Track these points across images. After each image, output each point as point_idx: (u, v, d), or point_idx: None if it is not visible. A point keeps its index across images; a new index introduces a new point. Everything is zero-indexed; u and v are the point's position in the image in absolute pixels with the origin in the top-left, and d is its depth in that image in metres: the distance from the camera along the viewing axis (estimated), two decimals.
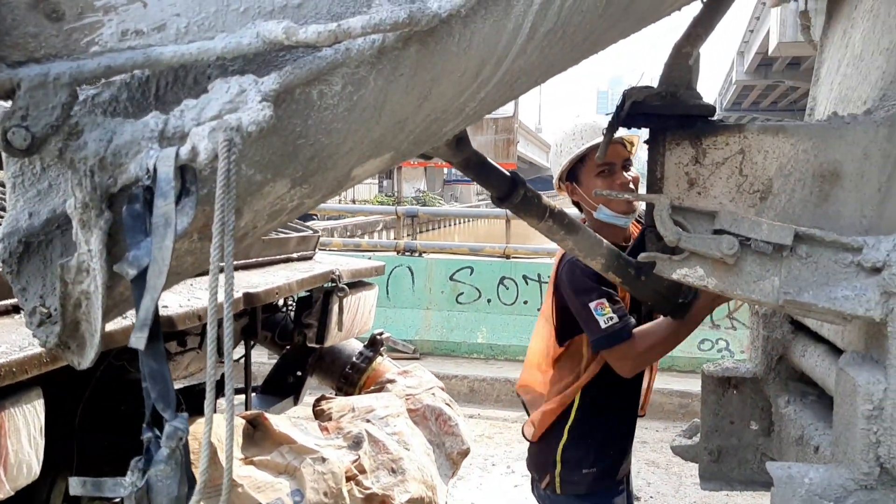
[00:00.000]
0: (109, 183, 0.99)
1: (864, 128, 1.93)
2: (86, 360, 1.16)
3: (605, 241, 2.24)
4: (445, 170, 42.56)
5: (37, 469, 1.63)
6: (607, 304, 2.37)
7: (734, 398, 2.66)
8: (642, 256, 1.93)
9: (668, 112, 2.03)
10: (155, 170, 0.94)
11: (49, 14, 0.94)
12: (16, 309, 1.74)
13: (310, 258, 3.48)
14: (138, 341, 0.96)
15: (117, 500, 1.67)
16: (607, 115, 2.34)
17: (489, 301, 8.31)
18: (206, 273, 2.40)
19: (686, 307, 2.36)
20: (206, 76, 1.07)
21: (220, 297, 0.98)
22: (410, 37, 1.11)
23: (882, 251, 1.63)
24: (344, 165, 1.26)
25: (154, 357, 0.99)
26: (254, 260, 2.99)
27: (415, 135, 1.34)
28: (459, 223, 39.12)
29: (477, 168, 2.07)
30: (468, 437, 3.15)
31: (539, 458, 2.70)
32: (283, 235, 3.32)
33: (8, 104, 0.96)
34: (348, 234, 18.31)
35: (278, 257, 3.20)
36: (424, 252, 9.18)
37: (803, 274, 1.73)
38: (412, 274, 8.49)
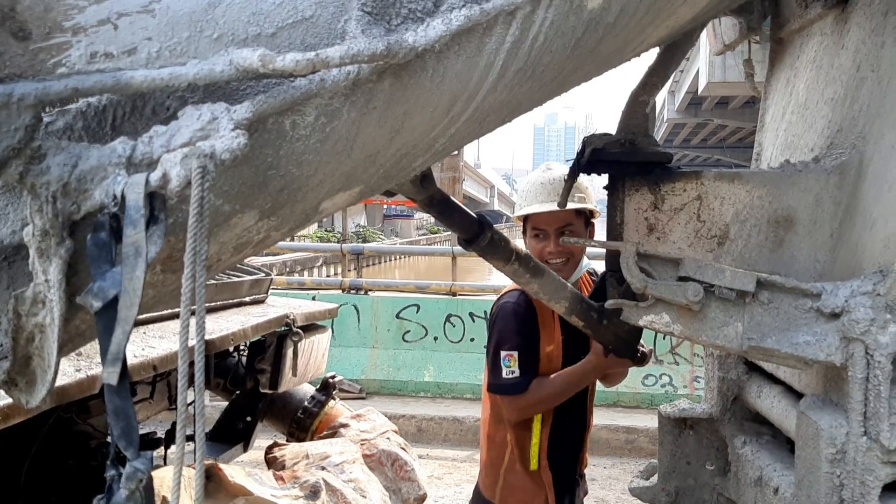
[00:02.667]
0: (72, 210, 0.96)
1: (816, 175, 2.00)
2: (35, 398, 1.10)
3: (569, 285, 2.26)
4: (385, 205, 42.59)
5: None
6: (515, 358, 2.47)
7: (690, 439, 2.68)
8: (609, 304, 1.94)
9: (627, 159, 2.07)
10: (123, 196, 0.91)
11: (15, 32, 0.91)
12: None
13: (262, 301, 3.42)
14: (111, 377, 0.91)
15: None
16: (567, 161, 2.37)
17: (436, 339, 8.25)
18: (159, 320, 2.31)
19: (643, 357, 2.43)
20: (165, 107, 1.04)
21: (192, 339, 0.95)
22: (385, 70, 1.10)
23: (840, 297, 1.67)
24: (313, 198, 1.24)
25: (120, 394, 0.94)
26: (207, 305, 2.91)
27: (385, 169, 1.33)
28: (399, 259, 39.10)
29: (440, 206, 2.07)
30: (424, 483, 3.10)
31: (478, 499, 2.71)
32: (235, 279, 3.26)
33: None
34: (287, 269, 18.05)
35: (231, 301, 3.14)
36: (370, 290, 9.12)
37: (766, 320, 1.76)
38: (358, 312, 8.40)
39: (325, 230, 35.18)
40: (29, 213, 0.96)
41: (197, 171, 0.89)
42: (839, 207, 1.95)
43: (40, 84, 0.91)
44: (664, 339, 7.57)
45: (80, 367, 1.82)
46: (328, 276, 19.82)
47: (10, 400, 1.59)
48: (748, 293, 1.74)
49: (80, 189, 0.94)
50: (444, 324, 8.23)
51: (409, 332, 8.30)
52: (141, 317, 2.29)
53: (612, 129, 2.18)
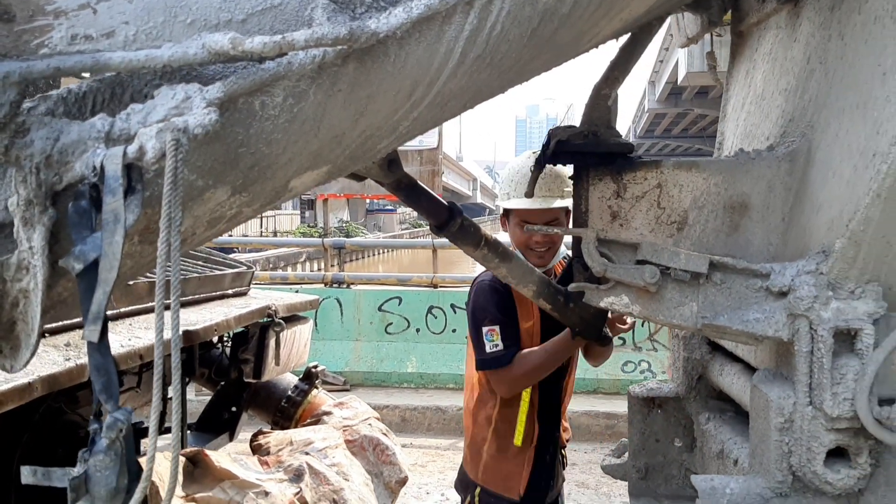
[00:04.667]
0: (55, 180, 1.01)
1: (768, 163, 2.10)
2: (19, 362, 1.16)
3: (536, 269, 2.36)
4: (368, 200, 42.50)
5: None
6: (497, 332, 2.53)
7: (659, 417, 2.79)
8: (572, 286, 2.04)
9: (590, 150, 2.16)
10: (102, 167, 0.97)
11: (0, 15, 0.97)
12: None
13: (245, 294, 3.49)
14: (92, 334, 0.98)
15: None
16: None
17: (418, 330, 8.34)
18: (144, 312, 2.39)
19: (609, 338, 2.52)
20: (143, 94, 1.10)
21: (167, 333, 1.01)
22: (349, 54, 1.16)
23: (787, 276, 1.77)
24: (283, 176, 1.30)
25: (101, 351, 1.01)
26: (190, 297, 3.00)
27: (350, 149, 1.39)
28: (383, 253, 39.05)
29: (407, 190, 2.14)
30: (405, 466, 3.19)
31: (462, 477, 2.80)
32: (218, 272, 3.33)
33: None
34: (271, 266, 18.04)
35: (214, 294, 3.21)
36: (352, 283, 9.18)
37: (718, 299, 1.86)
38: (340, 306, 8.46)
39: (308, 226, 35.06)
40: (14, 184, 1.02)
41: (171, 144, 0.96)
42: (790, 193, 2.05)
43: (24, 63, 0.97)
44: (643, 325, 7.68)
45: (70, 357, 1.89)
46: (311, 272, 19.83)
47: (5, 387, 1.67)
48: (702, 274, 1.83)
49: (61, 161, 1.01)
50: (426, 315, 8.31)
51: (391, 324, 8.37)
52: (126, 309, 2.36)
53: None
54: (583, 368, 7.90)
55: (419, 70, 1.31)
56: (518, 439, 2.65)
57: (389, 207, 51.25)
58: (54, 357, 1.86)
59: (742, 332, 1.79)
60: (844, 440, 1.68)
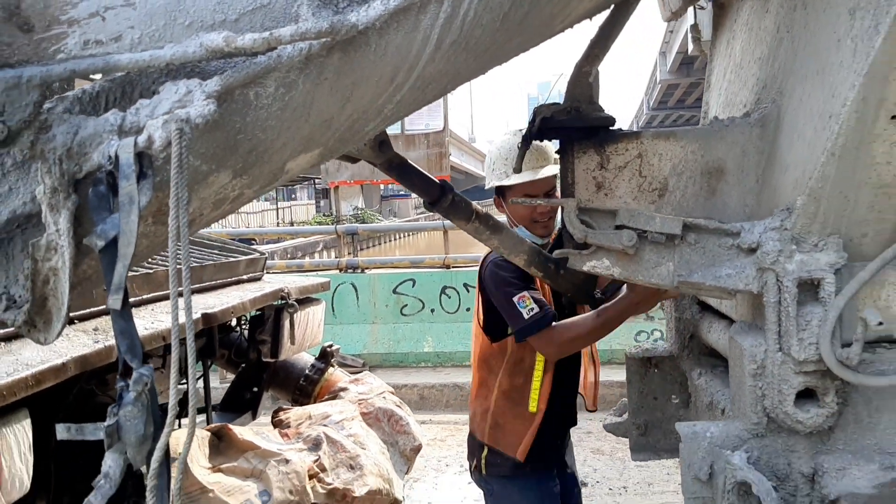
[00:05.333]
0: (75, 170, 1.14)
1: (741, 129, 2.21)
2: (52, 335, 1.28)
3: (526, 240, 2.49)
4: (382, 186, 42.56)
5: (28, 483, 1.78)
6: (528, 298, 2.57)
7: (656, 376, 2.92)
8: (557, 253, 2.17)
9: (574, 125, 2.28)
10: (117, 157, 1.10)
11: (21, 26, 1.09)
12: None
13: (259, 279, 3.65)
14: (115, 302, 1.11)
15: None
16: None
17: (433, 311, 8.51)
18: (165, 298, 2.55)
19: (600, 300, 2.64)
20: (151, 92, 1.21)
21: (181, 317, 1.14)
22: (333, 46, 1.27)
23: (756, 234, 1.90)
24: (278, 159, 1.42)
25: (124, 317, 1.14)
26: (207, 283, 3.16)
27: (340, 133, 1.50)
28: (400, 238, 39.18)
29: (399, 169, 2.26)
30: (419, 434, 3.35)
31: (471, 443, 2.95)
32: (233, 259, 3.49)
33: None
34: (288, 256, 18.28)
35: (230, 280, 3.37)
36: (367, 268, 9.35)
37: (693, 258, 1.99)
38: (356, 290, 8.64)
39: (324, 215, 35.24)
40: (39, 174, 1.14)
41: (175, 132, 1.08)
42: (763, 156, 2.17)
43: (44, 68, 1.10)
44: None
45: (98, 340, 2.06)
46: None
47: (43, 367, 1.83)
48: (676, 235, 1.97)
49: (80, 152, 1.13)
50: (440, 296, 8.47)
51: (406, 305, 8.55)
52: (148, 296, 2.53)
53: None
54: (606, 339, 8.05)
55: (399, 57, 1.42)
56: (532, 405, 2.77)
57: (404, 193, 51.27)
58: (84, 340, 2.02)
59: (715, 287, 1.92)
60: (812, 382, 1.81)
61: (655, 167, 2.25)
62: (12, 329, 1.97)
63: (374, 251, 31.41)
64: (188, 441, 1.21)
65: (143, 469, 1.17)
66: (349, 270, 9.20)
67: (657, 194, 2.27)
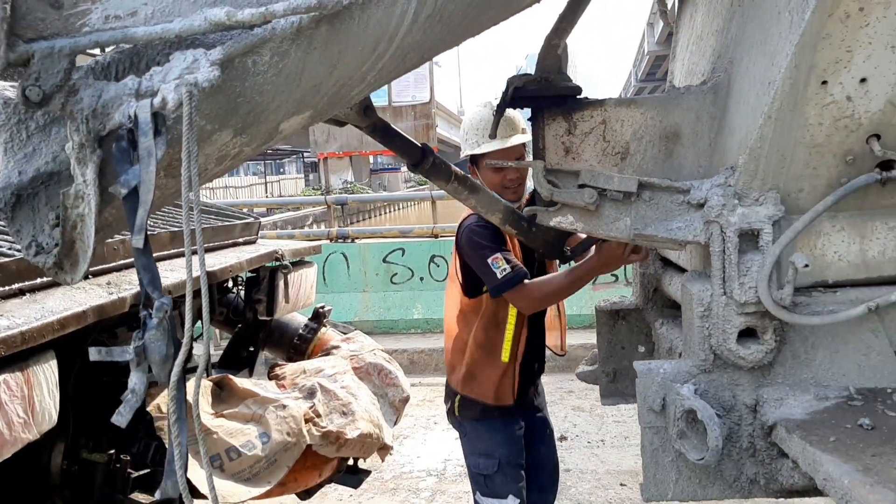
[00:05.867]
0: (100, 128, 1.29)
1: (696, 96, 2.39)
2: (77, 275, 1.45)
3: (501, 199, 2.68)
4: (371, 158, 42.48)
5: (55, 417, 1.97)
6: (501, 259, 2.79)
7: (623, 327, 3.14)
8: (527, 210, 2.36)
9: (543, 94, 2.45)
10: (136, 116, 1.26)
11: (52, 3, 1.25)
12: (21, 292, 2.07)
13: (253, 242, 3.82)
14: (138, 242, 1.29)
15: None
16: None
17: (422, 279, 8.71)
18: (168, 258, 2.73)
19: (569, 257, 2.84)
20: (155, 61, 1.37)
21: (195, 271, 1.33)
22: (321, 19, 1.42)
23: (703, 190, 2.09)
24: (273, 120, 1.57)
25: (146, 254, 1.31)
26: (206, 245, 3.32)
27: (328, 96, 1.66)
28: (389, 212, 39.23)
29: (382, 132, 2.43)
30: (407, 386, 3.55)
31: (447, 390, 3.17)
32: (228, 223, 3.67)
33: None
34: (278, 228, 18.40)
35: (226, 242, 3.54)
36: (357, 238, 9.53)
37: (648, 213, 2.18)
38: (346, 259, 8.82)
39: (313, 188, 35.23)
40: (69, 132, 1.30)
41: (186, 95, 1.25)
42: (715, 121, 2.35)
43: (72, 40, 1.26)
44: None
45: (112, 292, 2.24)
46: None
47: (66, 313, 2.02)
48: (633, 193, 2.16)
49: (104, 113, 1.29)
50: (429, 264, 8.66)
51: (396, 274, 8.73)
52: (158, 254, 2.70)
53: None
54: (580, 305, 8.26)
55: (380, 29, 1.57)
56: (505, 355, 2.99)
57: (393, 166, 51.08)
58: (99, 292, 2.21)
59: (668, 238, 2.12)
60: (752, 321, 2.01)
61: (618, 132, 2.44)
62: (38, 282, 2.16)
63: (363, 225, 31.54)
64: (202, 366, 1.41)
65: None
66: (339, 240, 9.37)
67: (620, 157, 2.45)
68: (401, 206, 41.60)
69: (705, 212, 2.05)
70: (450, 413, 3.14)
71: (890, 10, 1.75)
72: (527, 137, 2.90)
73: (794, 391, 2.04)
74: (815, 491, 2.00)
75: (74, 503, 2.50)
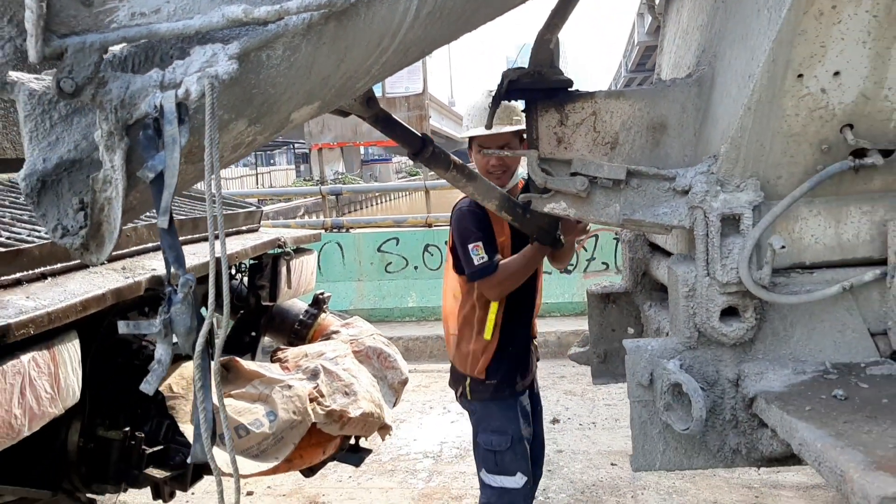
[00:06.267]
0: (127, 117, 1.38)
1: (681, 88, 2.50)
2: (103, 255, 1.52)
3: (497, 187, 2.78)
4: (362, 149, 42.36)
5: (78, 394, 2.07)
6: (481, 247, 2.92)
7: (613, 310, 3.26)
8: (522, 197, 2.47)
9: (536, 87, 2.55)
10: (162, 106, 1.34)
11: (83, 1, 1.33)
12: (43, 276, 2.17)
13: (256, 230, 3.91)
14: (163, 223, 1.38)
15: None
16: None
17: (416, 268, 8.80)
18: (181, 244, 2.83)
19: (562, 242, 2.95)
20: (169, 56, 1.45)
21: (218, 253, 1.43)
22: (330, 16, 1.51)
23: (688, 178, 2.20)
24: (285, 110, 1.65)
25: (171, 234, 1.40)
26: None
27: (336, 88, 1.75)
28: (382, 202, 39.26)
29: (384, 122, 2.53)
30: (406, 369, 3.66)
31: (454, 373, 3.28)
32: (231, 212, 3.76)
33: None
34: (270, 220, 18.43)
35: (230, 230, 3.64)
36: (351, 228, 9.62)
37: (636, 200, 2.29)
38: (341, 249, 8.91)
39: (304, 180, 35.16)
40: (97, 121, 1.38)
41: (208, 86, 1.33)
42: (699, 112, 2.46)
43: (101, 35, 1.34)
44: (619, 252, 8.16)
45: (128, 276, 2.34)
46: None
47: (88, 295, 2.12)
48: (621, 181, 2.27)
49: (131, 103, 1.37)
50: (423, 253, 8.76)
51: (390, 263, 8.83)
52: (154, 244, 2.81)
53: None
54: (571, 292, 8.35)
55: (384, 25, 1.67)
56: (488, 334, 3.07)
57: (384, 157, 50.91)
58: (116, 276, 2.31)
59: (654, 223, 2.23)
60: (734, 301, 2.12)
61: (608, 123, 2.54)
62: (58, 266, 2.26)
63: (355, 215, 31.57)
64: (223, 334, 1.51)
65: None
66: (334, 230, 9.45)
67: (609, 147, 2.56)
68: (392, 197, 41.58)
69: (690, 198, 2.16)
70: (461, 397, 3.22)
71: (861, 7, 1.86)
72: (513, 127, 3.00)
73: (774, 366, 2.15)
74: (792, 458, 2.12)
75: (90, 479, 2.61)
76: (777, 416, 1.92)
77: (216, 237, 1.49)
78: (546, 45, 2.58)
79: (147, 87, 1.40)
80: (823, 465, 1.64)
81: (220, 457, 2.68)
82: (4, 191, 3.07)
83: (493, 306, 3.06)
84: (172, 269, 1.44)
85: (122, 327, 1.49)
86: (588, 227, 3.01)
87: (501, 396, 3.10)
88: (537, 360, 3.38)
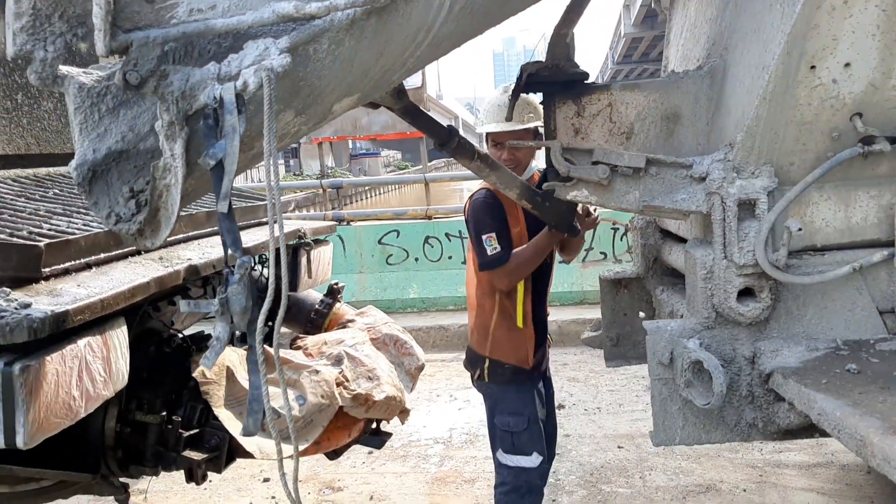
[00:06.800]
0: (187, 108, 1.44)
1: (694, 79, 2.58)
2: (158, 240, 1.59)
3: (518, 177, 2.88)
4: (350, 143, 42.18)
5: (126, 378, 2.14)
6: (495, 238, 2.98)
7: (625, 295, 3.35)
8: (545, 185, 2.55)
9: (554, 80, 2.63)
10: (221, 97, 1.41)
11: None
12: (88, 266, 2.24)
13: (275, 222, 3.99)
14: (223, 207, 1.45)
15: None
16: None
17: (417, 260, 8.84)
18: (211, 235, 2.90)
19: (579, 229, 3.03)
20: (207, 51, 1.50)
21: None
22: (371, 12, 1.58)
23: (705, 165, 2.29)
24: (328, 102, 1.72)
25: (229, 218, 1.47)
26: (238, 224, 3.46)
27: (374, 80, 1.81)
28: (373, 196, 39.25)
29: (414, 114, 2.60)
30: (422, 355, 3.74)
31: (472, 356, 3.34)
32: (252, 204, 3.84)
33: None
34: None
35: (252, 222, 3.72)
36: (351, 220, 9.67)
37: (655, 187, 2.38)
38: (343, 241, 8.94)
39: (294, 174, 35.08)
40: (159, 112, 1.44)
41: (265, 78, 1.39)
42: (712, 102, 2.54)
43: (163, 30, 1.40)
44: (621, 240, 8.26)
45: (167, 265, 2.42)
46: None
47: (134, 283, 2.19)
48: (641, 169, 2.36)
49: (191, 94, 1.43)
50: (423, 245, 8.80)
51: (391, 255, 8.87)
52: (193, 233, 2.88)
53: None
54: (570, 282, 8.43)
55: (420, 20, 1.73)
56: (520, 321, 3.13)
57: (373, 151, 50.64)
58: (156, 266, 2.39)
59: (673, 209, 2.32)
60: (750, 282, 2.21)
61: (623, 114, 2.62)
62: (101, 256, 2.33)
63: (349, 209, 31.56)
64: (281, 314, 1.59)
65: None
66: (335, 223, 9.49)
67: (625, 137, 2.64)
68: (382, 191, 41.57)
69: (707, 184, 2.25)
70: (478, 379, 3.27)
71: (870, 2, 1.95)
72: (524, 125, 3.05)
73: (788, 343, 2.24)
74: (806, 430, 2.22)
75: (127, 462, 2.69)
76: (795, 390, 2.01)
77: (275, 222, 1.55)
78: (562, 39, 2.66)
79: (206, 80, 1.47)
80: (843, 432, 1.73)
81: (252, 439, 2.77)
82: (33, 185, 3.14)
83: (520, 293, 3.12)
84: (230, 252, 1.52)
85: (184, 306, 1.56)
86: (597, 220, 3.10)
87: (519, 377, 3.18)
88: (549, 343, 3.46)
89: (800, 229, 2.06)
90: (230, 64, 1.52)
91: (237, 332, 1.61)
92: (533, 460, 3.17)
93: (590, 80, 2.66)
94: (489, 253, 3.02)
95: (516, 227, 3.12)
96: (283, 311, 1.56)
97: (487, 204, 3.09)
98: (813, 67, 2.08)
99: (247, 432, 1.63)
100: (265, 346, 3.07)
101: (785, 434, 2.25)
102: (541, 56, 2.73)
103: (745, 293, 2.25)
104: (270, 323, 3.89)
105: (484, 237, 3.02)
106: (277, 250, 1.53)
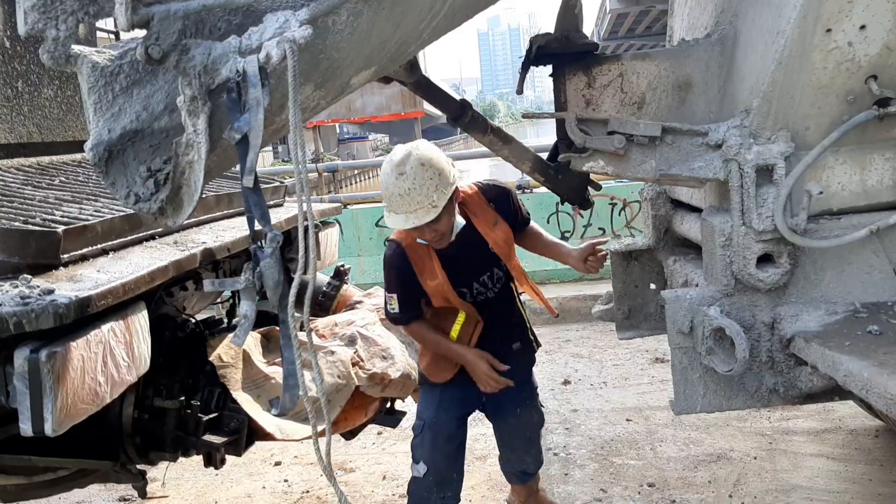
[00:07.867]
0: (209, 82, 1.42)
1: (705, 47, 2.57)
2: (181, 218, 1.58)
3: (531, 150, 2.86)
4: (337, 127, 41.97)
5: (148, 362, 2.14)
6: (395, 299, 2.81)
7: (636, 267, 3.35)
8: (561, 157, 2.54)
9: (564, 51, 2.61)
10: (245, 70, 1.39)
11: None
12: (105, 251, 2.22)
13: (282, 205, 3.98)
14: (248, 182, 1.44)
15: None
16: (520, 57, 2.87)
17: None
18: (223, 218, 2.88)
19: (591, 203, 2.99)
20: (217, 28, 1.49)
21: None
22: None
23: (721, 132, 2.28)
24: (346, 75, 1.70)
25: (256, 192, 1.46)
26: (244, 208, 3.43)
27: (391, 53, 1.80)
28: (361, 180, 39.18)
29: (426, 88, 2.58)
30: None
31: (420, 375, 3.08)
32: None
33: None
34: None
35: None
36: (348, 204, 9.64)
37: (671, 155, 2.36)
38: (340, 225, 8.94)
39: (282, 161, 34.92)
40: (180, 87, 1.42)
41: (289, 48, 1.37)
42: (723, 70, 2.53)
43: (184, 4, 1.39)
44: (619, 215, 8.26)
45: (183, 249, 2.41)
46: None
47: (153, 267, 2.18)
48: (657, 137, 2.34)
49: (213, 69, 1.41)
50: None
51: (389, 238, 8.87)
52: (206, 216, 2.87)
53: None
54: None
55: None
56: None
57: (361, 136, 50.39)
58: (172, 250, 2.37)
59: (690, 177, 2.31)
60: (769, 248, 2.20)
61: (634, 84, 2.61)
62: (116, 242, 2.32)
63: (347, 190, 31.48)
64: (310, 290, 1.58)
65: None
66: (340, 204, 9.45)
67: (636, 107, 2.63)
68: (369, 176, 41.51)
69: (724, 151, 2.23)
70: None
71: None
72: (430, 216, 2.54)
73: (807, 308, 2.24)
74: (827, 394, 2.23)
75: (144, 449, 2.68)
76: (818, 353, 2.01)
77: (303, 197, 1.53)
78: (571, 10, 2.64)
79: (227, 53, 1.44)
80: (872, 392, 1.73)
81: (272, 421, 2.77)
82: (38, 174, 3.11)
83: (456, 325, 2.86)
84: (259, 226, 1.50)
85: (208, 285, 1.55)
86: (605, 259, 2.93)
87: (426, 384, 3.04)
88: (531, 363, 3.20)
89: (821, 192, 2.06)
90: (251, 37, 1.50)
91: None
92: (418, 469, 2.93)
93: (600, 51, 2.64)
94: (389, 310, 2.88)
95: (432, 280, 2.78)
96: (311, 287, 1.55)
97: (392, 265, 2.82)
98: (829, 31, 2.07)
99: (283, 410, 1.62)
100: (276, 328, 3.07)
101: (807, 398, 2.26)
102: (527, 36, 2.71)
103: (764, 259, 2.25)
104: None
105: (386, 296, 2.88)
106: (306, 227, 1.51)
